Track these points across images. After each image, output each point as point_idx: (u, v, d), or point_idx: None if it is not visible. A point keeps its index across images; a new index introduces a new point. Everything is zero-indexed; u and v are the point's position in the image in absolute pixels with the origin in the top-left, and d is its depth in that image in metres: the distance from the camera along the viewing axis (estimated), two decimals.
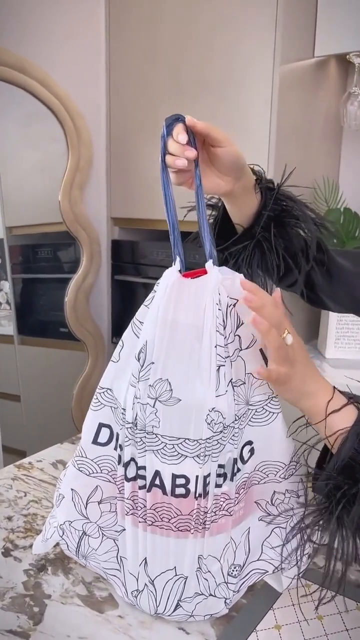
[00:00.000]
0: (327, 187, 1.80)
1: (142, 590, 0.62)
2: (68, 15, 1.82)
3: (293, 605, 0.65)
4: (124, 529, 0.63)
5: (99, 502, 0.65)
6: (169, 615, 0.62)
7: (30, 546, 0.73)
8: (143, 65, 1.82)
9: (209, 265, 0.60)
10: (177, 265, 0.60)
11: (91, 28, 1.88)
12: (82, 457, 0.64)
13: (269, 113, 1.59)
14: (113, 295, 2.06)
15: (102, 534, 0.65)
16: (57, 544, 0.70)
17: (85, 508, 0.65)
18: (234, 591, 0.63)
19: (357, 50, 1.65)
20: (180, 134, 0.60)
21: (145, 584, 0.62)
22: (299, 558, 0.65)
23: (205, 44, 1.67)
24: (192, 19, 1.69)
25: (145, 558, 0.61)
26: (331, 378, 1.06)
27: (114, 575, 0.65)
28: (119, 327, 2.07)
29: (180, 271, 0.60)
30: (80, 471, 0.65)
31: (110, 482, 0.64)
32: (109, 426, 0.64)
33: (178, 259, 0.61)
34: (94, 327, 2.05)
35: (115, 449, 0.63)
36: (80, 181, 1.89)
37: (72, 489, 0.65)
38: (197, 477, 0.58)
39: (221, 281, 0.59)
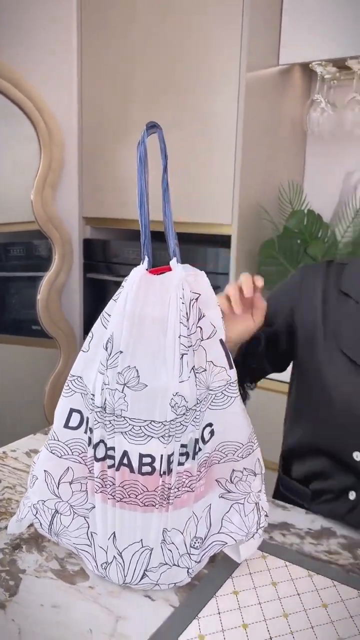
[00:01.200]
0: (291, 190, 1.88)
1: (111, 562, 0.67)
2: (40, 17, 1.86)
3: (250, 573, 0.71)
4: (94, 506, 0.68)
5: (70, 482, 0.70)
6: (135, 585, 0.67)
7: (5, 527, 0.77)
8: (114, 68, 1.86)
9: (173, 262, 0.66)
10: (145, 264, 0.65)
11: (63, 31, 1.91)
12: (55, 440, 0.69)
13: (235, 118, 1.66)
14: (85, 293, 2.10)
15: (74, 512, 0.70)
16: (31, 525, 0.74)
17: (58, 488, 0.70)
18: (196, 561, 0.69)
19: (319, 59, 1.73)
20: (258, 280, 0.78)
21: (114, 556, 0.67)
22: (255, 531, 0.71)
23: (175, 50, 1.73)
24: (163, 26, 1.74)
25: (114, 532, 0.66)
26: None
27: (85, 550, 0.70)
28: (90, 324, 2.11)
29: (147, 269, 0.65)
30: (53, 453, 0.69)
31: (80, 463, 0.69)
32: (79, 411, 0.68)
33: (146, 258, 0.66)
34: (66, 324, 2.09)
35: (86, 432, 0.68)
36: (52, 181, 1.93)
37: (45, 471, 0.70)
38: (162, 456, 0.64)
39: (185, 277, 0.65)
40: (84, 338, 2.23)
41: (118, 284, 1.87)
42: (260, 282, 0.79)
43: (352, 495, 0.84)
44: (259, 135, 1.76)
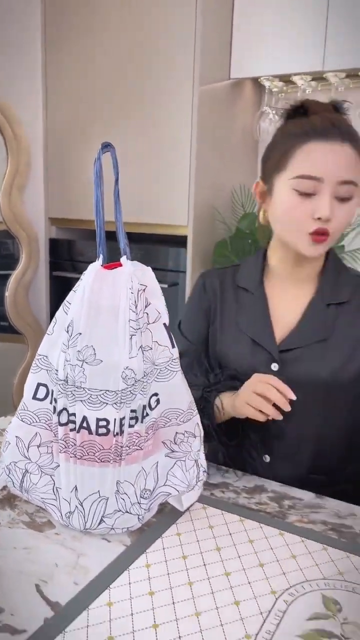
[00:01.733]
0: (243, 194, 2.03)
1: (74, 512, 0.80)
2: (5, 26, 1.96)
3: (191, 520, 0.85)
4: (59, 465, 0.80)
5: (38, 446, 0.82)
6: (94, 529, 0.80)
7: None
8: (78, 79, 1.98)
9: (124, 259, 0.79)
10: (100, 261, 0.78)
11: (28, 41, 2.02)
12: (25, 410, 0.81)
13: (190, 127, 1.80)
14: (51, 290, 2.21)
15: (41, 471, 0.82)
16: (4, 488, 0.86)
17: (27, 451, 0.82)
18: (145, 509, 0.82)
19: (267, 74, 1.89)
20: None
21: (76, 506, 0.79)
22: (195, 484, 0.85)
23: (134, 64, 1.86)
24: (124, 41, 1.87)
25: (76, 485, 0.79)
26: None
27: (51, 503, 0.83)
28: None
29: (102, 264, 0.78)
30: (23, 421, 0.82)
31: (47, 429, 0.81)
32: (45, 385, 0.81)
33: (101, 255, 0.79)
34: (33, 320, 2.19)
35: (51, 402, 0.80)
36: (19, 184, 2.03)
37: (16, 436, 0.82)
38: (115, 419, 0.77)
39: (133, 272, 0.78)
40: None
41: None
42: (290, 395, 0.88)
43: (266, 459, 1.00)
44: (213, 144, 1.90)
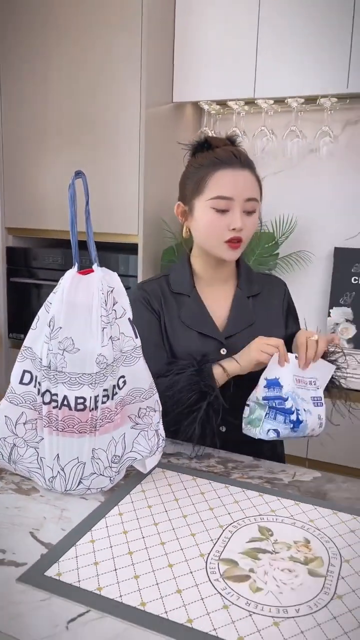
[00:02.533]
0: None
1: (56, 476, 0.96)
2: None
3: (154, 480, 1.03)
4: (43, 439, 0.96)
5: (24, 423, 0.97)
6: (74, 490, 0.96)
7: None
8: (34, 95, 2.12)
9: (95, 266, 0.96)
10: (75, 268, 0.95)
11: None
12: (12, 393, 0.97)
13: (138, 146, 1.98)
14: (9, 296, 2.33)
15: (27, 444, 0.98)
16: None
17: (15, 428, 0.97)
18: (115, 472, 0.99)
19: (205, 99, 2.11)
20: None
21: (58, 471, 0.96)
22: (155, 450, 1.03)
23: (86, 88, 2.03)
24: (77, 65, 2.03)
25: (58, 454, 0.95)
26: None
27: (36, 472, 0.98)
28: (15, 324, 2.34)
29: (77, 271, 0.95)
30: (11, 403, 0.97)
31: (32, 409, 0.97)
32: (30, 371, 0.97)
33: (77, 264, 0.96)
34: None
35: (35, 386, 0.96)
36: None
37: (5, 416, 0.97)
38: (90, 397, 0.93)
39: (103, 276, 0.96)
40: (9, 336, 2.44)
41: (39, 287, 2.26)
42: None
43: (223, 429, 1.19)
44: (159, 161, 2.10)
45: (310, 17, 1.89)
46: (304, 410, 1.06)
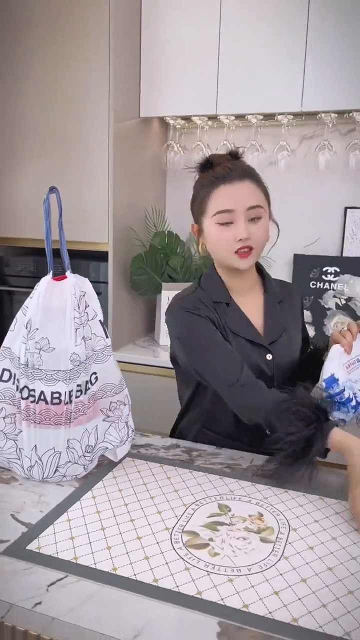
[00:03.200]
0: (155, 215, 2.35)
1: (34, 465, 1.05)
2: None
3: (124, 468, 1.13)
4: (21, 431, 1.05)
5: (4, 418, 1.06)
6: (50, 478, 1.05)
7: None
8: (5, 110, 2.20)
9: (68, 273, 1.06)
10: (50, 275, 1.05)
11: None
12: None
13: (107, 159, 2.08)
14: None
15: (6, 437, 1.06)
16: None
17: None
18: (89, 461, 1.09)
19: (170, 115, 2.23)
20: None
21: (36, 461, 1.04)
22: (125, 440, 1.12)
23: (58, 102, 2.12)
24: (49, 82, 2.12)
25: (36, 444, 1.04)
26: (162, 357, 1.58)
27: (15, 462, 1.07)
28: None
29: (52, 277, 1.04)
30: None
31: (11, 404, 1.06)
32: (9, 370, 1.05)
33: (51, 271, 1.05)
34: None
35: (13, 383, 1.05)
36: None
37: None
38: (65, 392, 1.03)
39: (75, 282, 1.05)
40: None
41: (10, 293, 2.35)
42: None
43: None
44: (127, 172, 2.20)
45: (268, 40, 2.02)
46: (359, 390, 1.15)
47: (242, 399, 1.14)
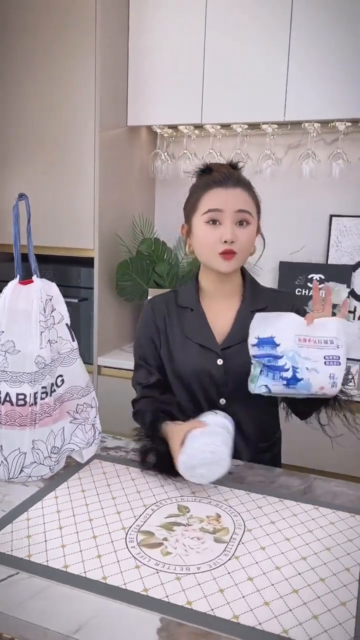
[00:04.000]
0: (142, 222, 2.38)
1: None
2: None
3: (90, 470, 1.15)
4: None
5: None
6: (16, 478, 1.07)
7: None
8: None
9: (35, 277, 1.08)
10: (17, 279, 1.07)
11: None
12: None
13: (93, 166, 2.12)
14: None
15: None
16: None
17: None
18: (55, 462, 1.10)
19: (157, 124, 2.26)
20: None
21: (1, 461, 1.06)
22: (92, 442, 1.14)
23: (44, 109, 2.16)
24: (36, 90, 2.16)
25: (1, 445, 1.06)
26: None
27: None
28: None
29: (19, 281, 1.07)
30: None
31: None
32: None
33: (18, 275, 1.08)
34: None
35: None
36: None
37: None
38: (30, 394, 1.05)
39: (42, 286, 1.08)
40: None
41: None
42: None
43: None
44: (114, 180, 2.23)
45: (251, 50, 2.06)
46: (307, 368, 1.07)
47: (135, 401, 1.29)
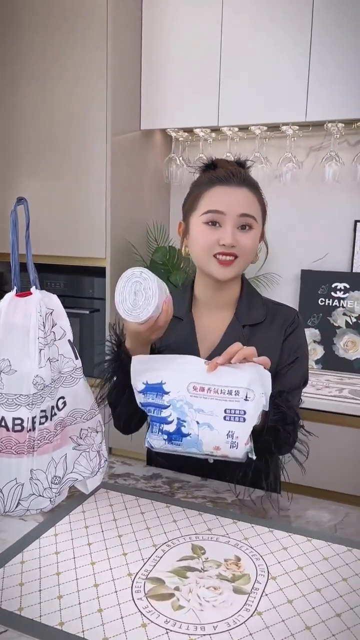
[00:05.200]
0: (156, 230, 2.28)
1: None
2: None
3: (95, 501, 1.04)
4: None
5: None
6: (12, 512, 0.97)
7: None
8: (1, 123, 2.17)
9: (33, 289, 0.98)
10: (14, 291, 0.98)
11: None
12: None
13: (104, 172, 2.03)
14: None
15: None
16: None
17: None
18: (56, 493, 1.00)
19: (172, 127, 2.17)
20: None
21: None
22: (97, 470, 1.03)
23: (54, 114, 2.08)
24: (45, 95, 2.09)
25: None
26: None
27: None
28: None
29: (16, 293, 0.97)
30: None
31: None
32: None
33: (15, 287, 0.98)
34: None
35: None
36: None
37: None
38: (27, 418, 0.95)
39: (41, 298, 0.98)
40: None
41: None
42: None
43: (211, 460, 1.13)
44: (127, 186, 2.14)
45: (270, 48, 1.96)
46: (197, 422, 0.93)
47: None
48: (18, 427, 0.95)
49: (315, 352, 2.22)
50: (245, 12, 1.98)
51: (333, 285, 2.22)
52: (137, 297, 0.96)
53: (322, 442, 1.16)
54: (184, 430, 0.94)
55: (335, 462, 1.78)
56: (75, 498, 1.04)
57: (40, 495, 0.98)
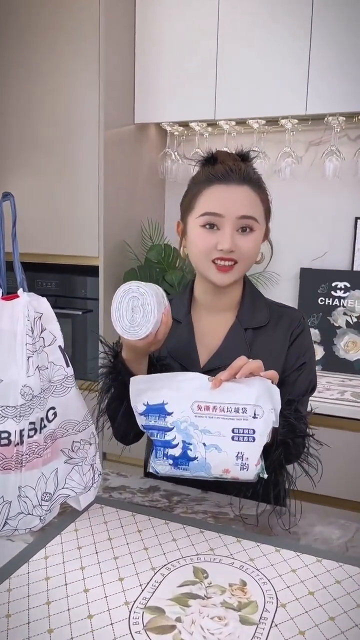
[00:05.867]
0: (151, 227, 2.21)
1: None
2: None
3: (89, 518, 0.97)
4: None
5: None
6: None
7: None
8: None
9: (20, 292, 0.91)
10: None
11: None
12: None
13: (97, 167, 1.95)
14: None
15: None
16: None
17: None
18: (46, 511, 0.93)
19: (166, 121, 2.09)
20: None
21: None
22: (91, 486, 0.96)
23: (44, 109, 2.01)
24: (35, 88, 2.01)
25: None
26: None
27: None
28: None
29: (1, 296, 0.90)
30: None
31: None
32: None
33: (0, 289, 0.91)
34: None
35: None
36: None
37: None
38: (15, 431, 0.87)
39: (29, 301, 0.91)
40: None
41: None
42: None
43: None
44: (120, 182, 2.07)
45: (269, 40, 1.89)
46: (204, 444, 0.86)
47: None
48: (5, 441, 0.88)
49: (315, 352, 2.15)
50: (243, 0, 1.91)
51: (333, 284, 2.15)
52: (135, 314, 0.91)
53: (325, 448, 1.10)
54: (191, 454, 0.87)
55: (339, 468, 1.72)
56: (68, 515, 0.97)
57: (29, 514, 0.91)
